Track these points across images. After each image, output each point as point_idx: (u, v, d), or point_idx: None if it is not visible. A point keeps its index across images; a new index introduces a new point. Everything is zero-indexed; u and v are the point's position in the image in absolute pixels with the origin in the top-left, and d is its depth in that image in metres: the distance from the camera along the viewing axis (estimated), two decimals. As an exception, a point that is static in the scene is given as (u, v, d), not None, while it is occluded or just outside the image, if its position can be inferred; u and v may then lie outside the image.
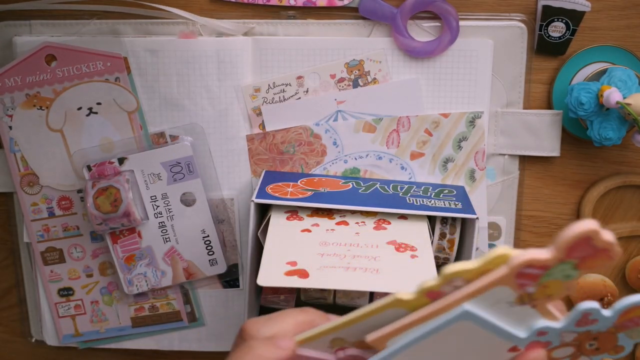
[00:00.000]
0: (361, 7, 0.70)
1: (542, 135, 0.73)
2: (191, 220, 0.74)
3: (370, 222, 0.66)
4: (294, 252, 0.60)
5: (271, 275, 0.58)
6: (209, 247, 0.75)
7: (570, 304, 0.79)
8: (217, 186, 0.74)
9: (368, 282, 0.57)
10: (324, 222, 0.66)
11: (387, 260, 0.60)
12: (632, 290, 0.78)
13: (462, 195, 0.70)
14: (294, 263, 0.59)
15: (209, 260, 0.75)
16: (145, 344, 0.80)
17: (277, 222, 0.66)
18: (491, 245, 0.76)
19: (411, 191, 0.70)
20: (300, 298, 0.74)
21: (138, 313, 0.78)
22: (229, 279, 0.77)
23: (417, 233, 0.65)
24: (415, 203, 0.67)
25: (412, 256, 0.61)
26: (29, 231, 0.76)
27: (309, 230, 0.64)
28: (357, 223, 0.66)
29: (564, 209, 0.76)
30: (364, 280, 0.57)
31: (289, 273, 0.57)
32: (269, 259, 0.60)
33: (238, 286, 0.77)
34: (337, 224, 0.66)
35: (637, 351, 0.80)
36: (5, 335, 0.83)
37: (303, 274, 0.57)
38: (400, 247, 0.62)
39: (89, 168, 0.72)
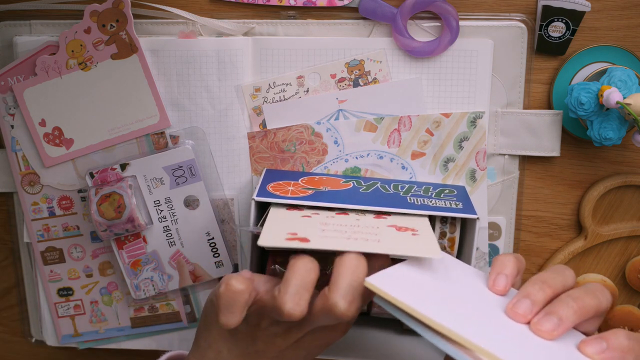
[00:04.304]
0: (361, 7, 0.70)
1: (542, 135, 0.73)
2: (195, 223, 0.74)
3: (370, 215, 0.66)
4: (295, 227, 0.60)
5: (272, 237, 0.57)
6: (214, 249, 0.75)
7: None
8: (219, 186, 0.74)
9: (369, 247, 0.56)
10: (324, 212, 0.66)
11: (388, 236, 0.59)
12: (632, 290, 0.78)
13: (462, 195, 0.70)
14: (295, 233, 0.58)
15: (215, 262, 0.75)
16: (145, 345, 0.80)
17: (277, 210, 0.65)
18: (491, 246, 0.76)
19: (412, 191, 0.70)
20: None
21: (138, 313, 0.78)
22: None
23: (418, 221, 0.64)
24: (416, 203, 0.67)
25: (413, 234, 0.60)
26: (29, 231, 0.76)
27: (309, 216, 0.64)
28: (356, 213, 0.66)
29: (564, 209, 0.76)
30: (366, 245, 0.57)
31: (290, 239, 0.57)
32: (270, 226, 0.60)
33: (238, 286, 0.77)
34: (337, 214, 0.65)
35: (637, 351, 0.80)
36: (5, 335, 0.83)
37: (304, 239, 0.57)
38: (401, 229, 0.62)
39: (91, 175, 0.72)
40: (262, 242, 0.57)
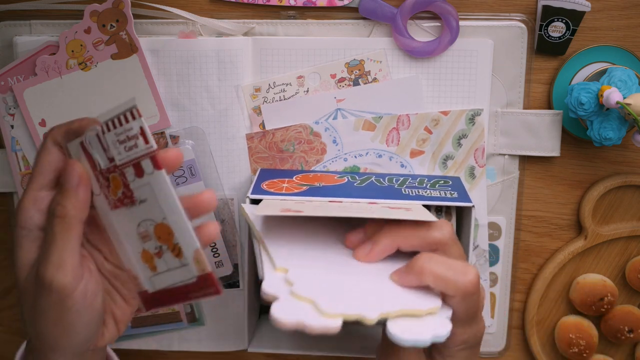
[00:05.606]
0: (361, 7, 0.70)
1: (542, 135, 0.73)
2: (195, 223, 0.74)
3: (364, 201, 0.66)
4: (289, 206, 0.61)
5: (267, 209, 0.59)
6: (214, 249, 0.75)
7: (571, 306, 0.79)
8: (219, 186, 0.74)
9: (363, 214, 0.57)
10: (318, 200, 0.66)
11: (382, 210, 0.60)
12: (632, 290, 0.78)
13: (457, 185, 0.70)
14: (288, 209, 0.59)
15: (215, 262, 0.75)
16: (145, 344, 0.80)
17: (271, 199, 0.66)
18: (491, 246, 0.76)
19: (407, 183, 0.70)
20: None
21: (138, 313, 0.78)
22: (229, 279, 0.77)
23: (411, 204, 0.64)
24: (410, 194, 0.67)
25: (407, 210, 0.61)
26: (29, 231, 0.76)
27: (302, 202, 0.64)
28: (351, 202, 0.66)
29: (564, 209, 0.76)
30: (359, 213, 0.57)
31: (284, 210, 0.58)
32: (265, 203, 0.62)
33: (238, 286, 0.77)
34: (331, 201, 0.65)
35: (637, 351, 0.80)
36: (5, 335, 0.83)
37: (298, 211, 0.58)
38: (394, 207, 0.62)
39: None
40: (258, 211, 0.58)
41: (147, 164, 0.51)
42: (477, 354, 0.60)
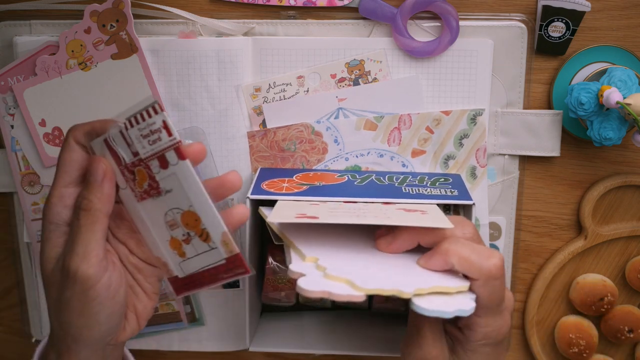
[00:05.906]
0: (361, 7, 0.70)
1: (542, 135, 0.73)
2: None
3: (377, 203, 0.66)
4: (304, 210, 0.61)
5: (282, 216, 0.59)
6: None
7: (571, 306, 0.79)
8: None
9: (379, 221, 0.58)
10: (332, 202, 0.66)
11: (397, 215, 0.60)
12: (632, 290, 0.78)
13: (458, 182, 0.70)
14: (304, 214, 0.59)
15: None
16: (145, 344, 0.80)
17: (285, 201, 0.65)
18: (491, 246, 0.76)
19: (407, 181, 0.70)
20: (299, 300, 0.74)
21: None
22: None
23: (427, 206, 0.64)
24: (411, 192, 0.67)
25: (422, 214, 0.61)
26: (29, 231, 0.76)
27: (317, 204, 0.64)
28: (364, 203, 0.66)
29: (564, 209, 0.76)
30: (375, 220, 0.58)
31: (299, 217, 0.58)
32: (279, 208, 0.62)
33: (238, 286, 0.77)
34: (345, 202, 0.65)
35: (637, 351, 0.80)
36: (5, 335, 0.83)
37: (313, 217, 0.58)
38: (409, 211, 0.62)
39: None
40: (272, 218, 0.58)
41: (171, 156, 0.53)
42: (502, 354, 0.60)
